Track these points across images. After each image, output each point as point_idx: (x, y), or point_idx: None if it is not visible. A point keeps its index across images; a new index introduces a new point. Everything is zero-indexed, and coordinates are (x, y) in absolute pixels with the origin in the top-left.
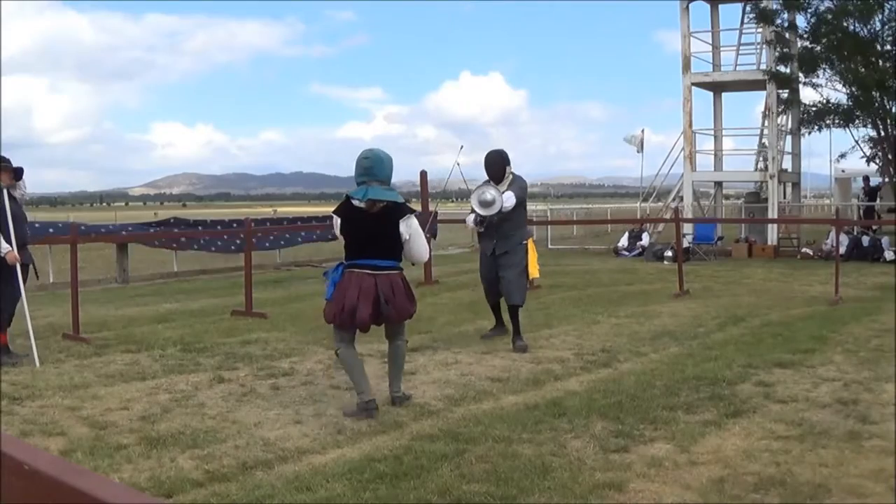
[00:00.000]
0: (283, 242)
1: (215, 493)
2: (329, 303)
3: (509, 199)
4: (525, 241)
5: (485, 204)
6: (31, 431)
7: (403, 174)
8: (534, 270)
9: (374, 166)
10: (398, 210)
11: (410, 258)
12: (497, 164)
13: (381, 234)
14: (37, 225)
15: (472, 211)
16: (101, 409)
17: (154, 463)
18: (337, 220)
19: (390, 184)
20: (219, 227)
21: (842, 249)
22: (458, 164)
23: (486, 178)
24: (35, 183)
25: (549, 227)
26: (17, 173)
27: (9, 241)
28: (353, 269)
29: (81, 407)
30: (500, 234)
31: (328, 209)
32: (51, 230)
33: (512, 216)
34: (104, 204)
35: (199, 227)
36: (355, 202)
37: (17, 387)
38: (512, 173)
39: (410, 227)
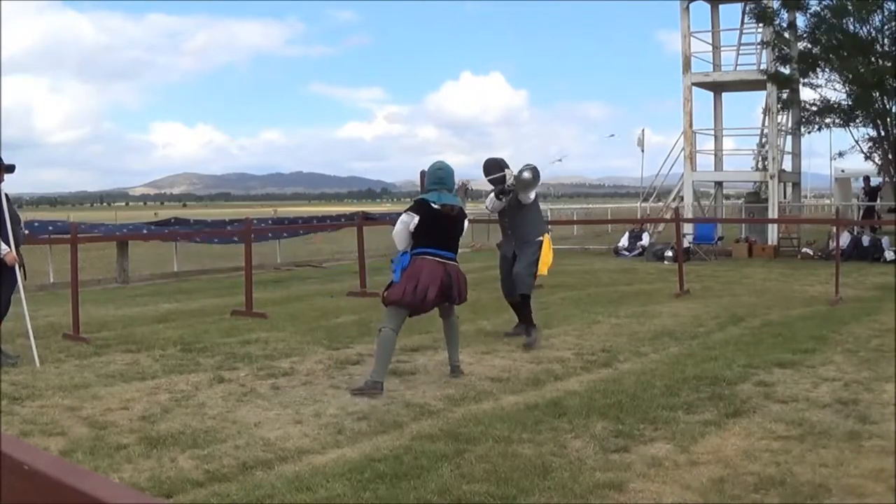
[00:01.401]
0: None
1: (215, 493)
2: (396, 285)
3: (529, 196)
4: (541, 238)
5: (524, 184)
6: (31, 431)
7: (403, 174)
8: (543, 268)
9: (446, 177)
10: (462, 213)
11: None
12: (496, 172)
13: (451, 231)
14: (36, 224)
15: (492, 192)
16: (101, 409)
17: (154, 463)
18: (416, 218)
19: (453, 191)
20: (228, 228)
21: (843, 248)
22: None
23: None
24: (35, 183)
25: (549, 227)
26: (10, 170)
27: (7, 243)
28: (425, 256)
29: (81, 407)
30: (518, 237)
31: (329, 209)
32: (50, 228)
33: (527, 216)
34: (104, 204)
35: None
36: (434, 205)
37: (17, 387)
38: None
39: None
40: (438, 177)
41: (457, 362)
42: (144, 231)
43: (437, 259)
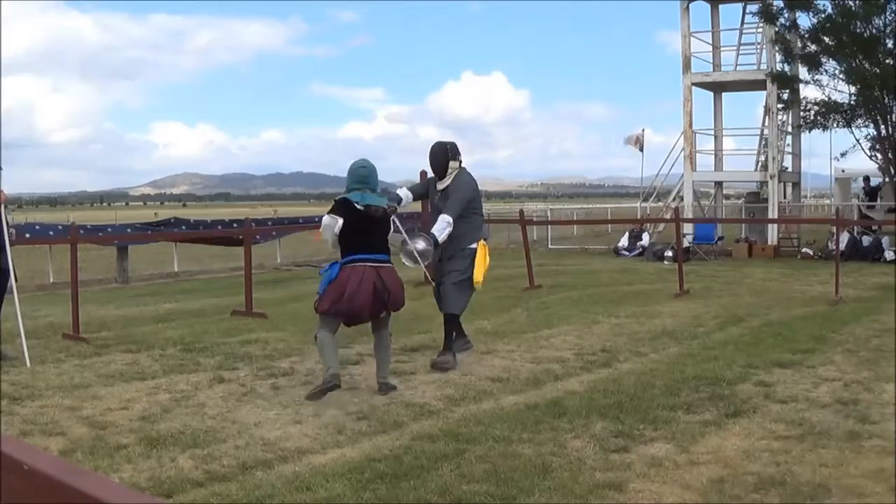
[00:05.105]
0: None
1: (215, 493)
2: (323, 296)
3: (442, 230)
4: (475, 245)
5: (419, 256)
6: (31, 431)
7: (403, 174)
8: (478, 276)
9: (370, 175)
10: (387, 216)
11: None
12: (439, 158)
13: (379, 233)
14: (37, 227)
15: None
16: (101, 409)
17: (154, 463)
18: (340, 221)
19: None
20: (219, 227)
21: (842, 248)
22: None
23: (430, 173)
24: (36, 183)
25: (549, 227)
26: None
27: (3, 246)
28: (354, 264)
29: (81, 407)
30: (451, 236)
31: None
32: (51, 233)
33: (464, 216)
34: (105, 204)
35: (200, 227)
36: (357, 206)
37: (17, 387)
38: (458, 167)
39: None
40: (361, 175)
41: (384, 378)
42: (149, 231)
43: (369, 264)
